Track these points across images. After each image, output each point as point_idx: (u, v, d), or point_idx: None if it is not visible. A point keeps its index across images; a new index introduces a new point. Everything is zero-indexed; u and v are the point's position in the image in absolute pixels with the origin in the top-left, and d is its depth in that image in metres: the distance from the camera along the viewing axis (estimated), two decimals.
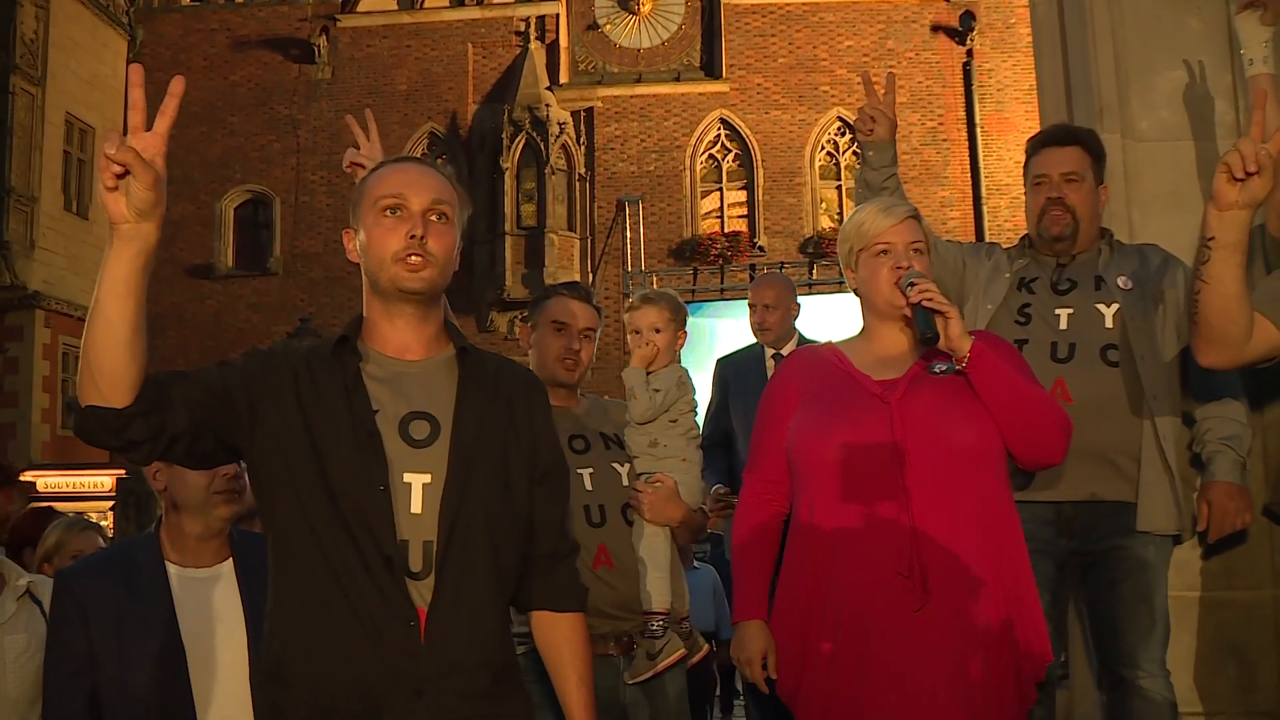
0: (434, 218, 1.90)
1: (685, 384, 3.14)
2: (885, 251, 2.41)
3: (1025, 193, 3.23)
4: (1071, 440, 2.81)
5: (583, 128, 20.77)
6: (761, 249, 19.56)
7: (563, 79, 21.07)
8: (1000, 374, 2.32)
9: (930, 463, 2.26)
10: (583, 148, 20.62)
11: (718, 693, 9.30)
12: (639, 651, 2.88)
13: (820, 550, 2.32)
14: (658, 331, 3.13)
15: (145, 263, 1.62)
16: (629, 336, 3.20)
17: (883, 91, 3.15)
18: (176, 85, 1.63)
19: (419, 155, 20.59)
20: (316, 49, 20.76)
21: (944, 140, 20.04)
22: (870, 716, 2.22)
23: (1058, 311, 3.02)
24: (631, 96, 20.97)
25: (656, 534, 2.91)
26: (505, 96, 20.44)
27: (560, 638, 2.01)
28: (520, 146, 20.08)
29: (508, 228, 19.79)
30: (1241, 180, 2.09)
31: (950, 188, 19.92)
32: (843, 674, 2.26)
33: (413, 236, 1.87)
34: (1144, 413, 2.94)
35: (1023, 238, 3.28)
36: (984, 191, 19.45)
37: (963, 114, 19.93)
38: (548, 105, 20.27)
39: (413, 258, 1.87)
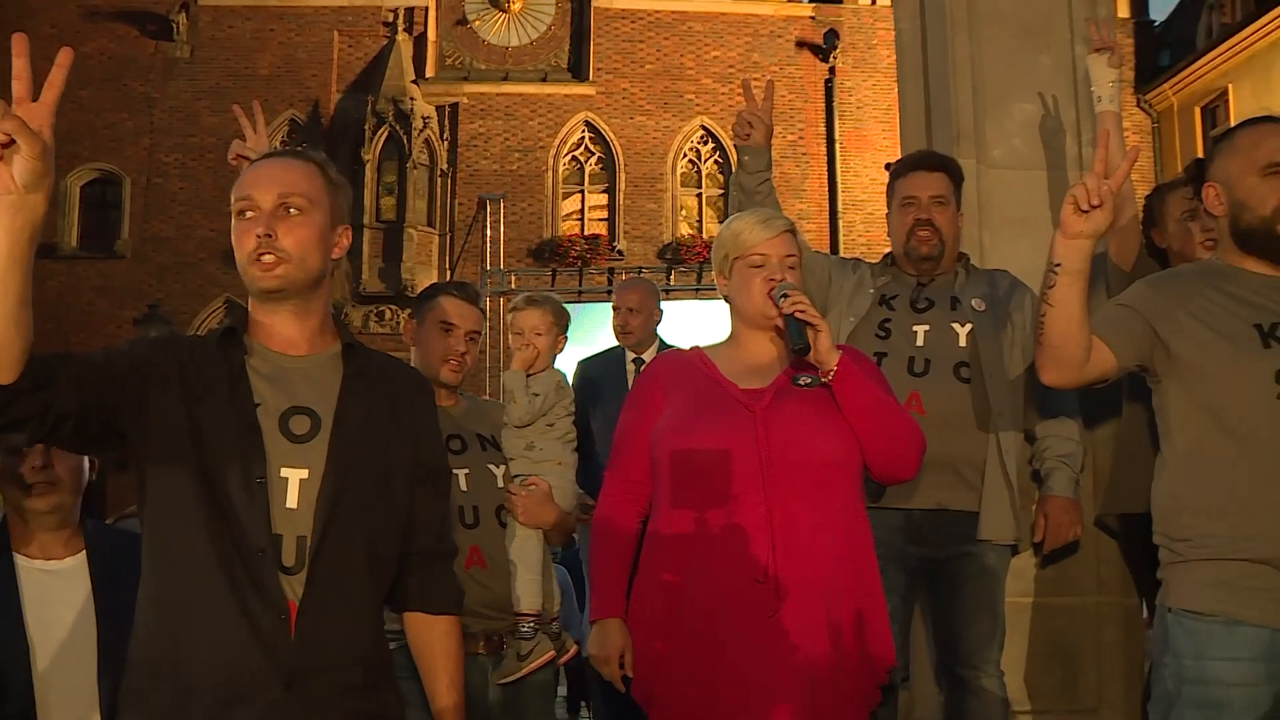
0: (287, 211, 1.87)
1: (564, 388, 3.16)
2: (761, 263, 2.46)
3: (889, 213, 3.36)
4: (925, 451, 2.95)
5: (447, 123, 20.55)
6: (620, 253, 19.67)
7: (429, 73, 20.83)
8: (864, 389, 2.41)
9: (792, 472, 2.32)
10: (446, 143, 20.40)
11: (564, 693, 9.33)
12: (509, 652, 2.90)
13: (679, 553, 2.36)
14: (539, 335, 3.15)
15: (32, 235, 1.58)
16: (511, 338, 3.21)
17: (761, 98, 3.25)
18: (64, 56, 1.60)
19: (278, 143, 20.11)
20: (175, 26, 19.97)
21: (804, 154, 20.49)
22: (722, 717, 2.27)
23: (915, 328, 3.16)
24: (497, 94, 20.85)
25: (529, 536, 2.93)
26: (370, 87, 20.09)
27: (434, 639, 2.02)
28: (383, 139, 19.75)
29: (366, 220, 19.42)
30: (1086, 212, 2.22)
31: (807, 201, 20.36)
32: (697, 676, 2.30)
33: (260, 235, 1.85)
34: (990, 428, 3.09)
35: (885, 256, 3.41)
36: (840, 206, 19.92)
37: (823, 129, 20.41)
38: (412, 98, 19.99)
39: (264, 257, 1.85)
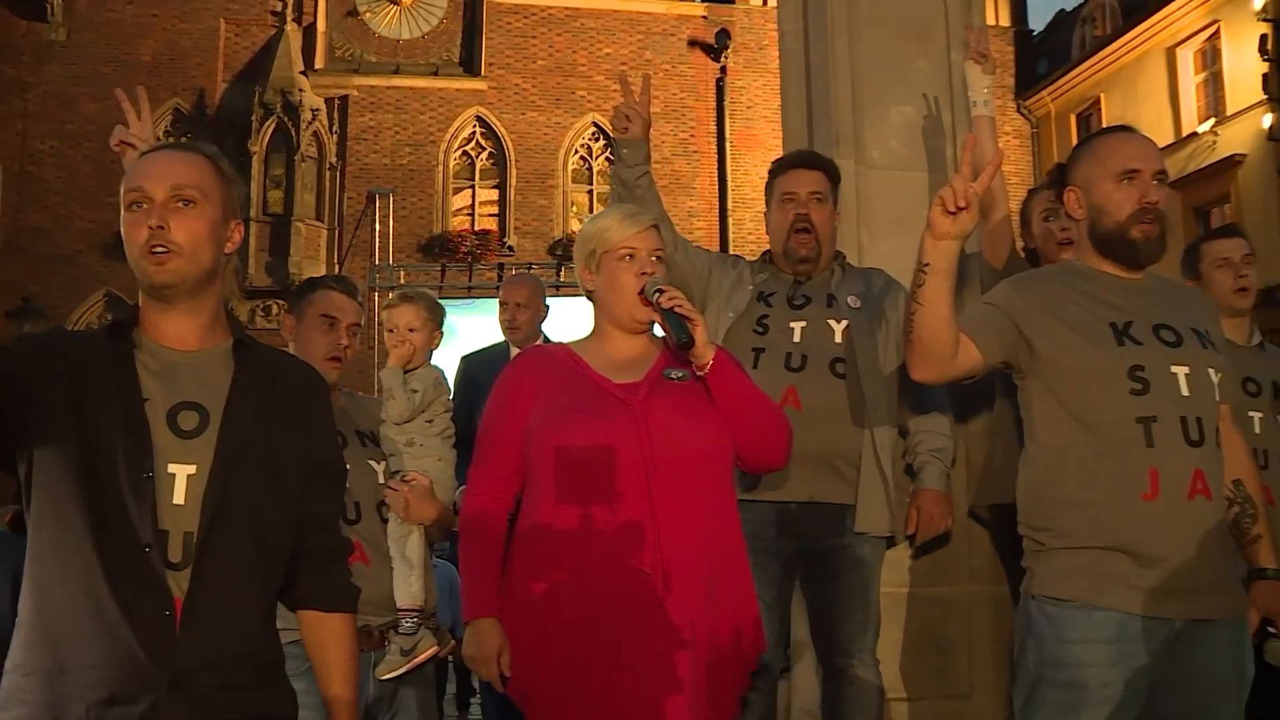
0: (178, 204, 1.85)
1: (441, 384, 3.16)
2: (629, 256, 2.48)
3: (768, 211, 3.43)
4: (798, 445, 3.01)
5: (336, 116, 20.22)
6: (511, 249, 19.59)
7: (318, 64, 20.47)
8: (739, 381, 2.46)
9: (671, 464, 2.35)
10: (335, 136, 20.07)
11: (454, 690, 9.27)
12: (392, 648, 2.88)
13: (561, 549, 2.36)
14: (414, 331, 3.14)
15: None
16: (385, 335, 3.18)
17: (638, 92, 3.28)
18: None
19: (161, 132, 19.55)
20: (49, 7, 19.23)
21: (694, 152, 20.64)
22: (602, 710, 2.29)
23: (792, 325, 3.22)
24: (388, 87, 20.60)
25: (410, 532, 2.92)
26: (257, 78, 19.67)
27: (328, 637, 2.01)
28: (270, 131, 19.36)
29: (253, 214, 19.00)
30: (954, 214, 2.29)
31: (698, 198, 20.52)
32: (579, 671, 2.31)
33: (153, 227, 1.83)
34: (864, 422, 3.17)
35: (764, 253, 3.47)
36: (730, 204, 20.13)
37: (713, 128, 20.59)
38: (301, 90, 19.62)
39: (156, 250, 1.83)
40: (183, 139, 18.98)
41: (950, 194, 2.26)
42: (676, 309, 2.37)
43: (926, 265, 2.32)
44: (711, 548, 2.38)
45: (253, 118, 19.22)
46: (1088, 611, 2.34)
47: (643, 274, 2.46)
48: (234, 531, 1.82)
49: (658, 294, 2.39)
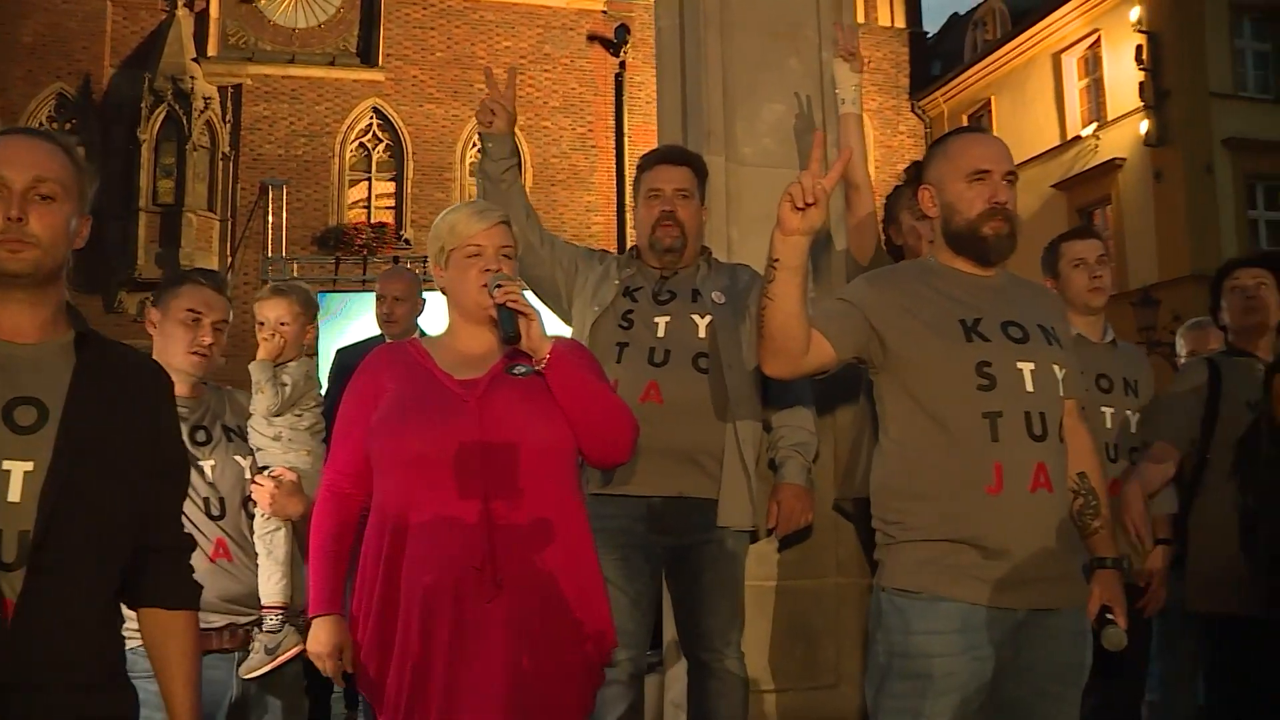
0: (38, 197, 1.80)
1: (312, 378, 3.13)
2: (476, 253, 2.48)
3: (635, 206, 3.44)
4: (662, 440, 3.02)
5: (229, 104, 19.84)
6: (408, 242, 19.41)
7: (211, 51, 20.05)
8: (576, 375, 2.45)
9: (509, 460, 2.34)
10: (228, 125, 19.70)
11: (343, 687, 9.12)
12: (256, 646, 2.84)
13: (398, 545, 2.34)
14: (285, 324, 3.11)
15: None
16: (256, 328, 3.14)
17: (503, 85, 3.26)
18: None
19: (44, 118, 18.95)
20: None
21: (593, 147, 20.65)
22: (446, 705, 2.27)
23: (656, 320, 3.22)
24: (283, 77, 20.26)
25: (277, 528, 2.88)
26: (147, 64, 19.18)
27: (169, 636, 1.95)
28: (161, 118, 18.91)
29: (143, 203, 18.59)
30: (802, 210, 2.31)
31: (596, 193, 20.54)
32: (418, 667, 2.29)
33: (10, 219, 1.77)
34: (727, 417, 3.18)
35: (630, 249, 3.48)
36: (628, 199, 20.18)
37: (612, 122, 20.61)
38: (193, 77, 19.19)
39: (12, 240, 1.77)
40: (67, 126, 18.42)
41: (799, 190, 2.28)
42: (510, 304, 2.36)
43: (776, 261, 2.34)
44: (553, 542, 2.38)
45: (142, 105, 18.76)
46: (934, 603, 2.38)
47: (487, 270, 2.46)
48: (72, 530, 1.76)
49: (497, 288, 2.38)
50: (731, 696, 3.18)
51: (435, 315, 5.09)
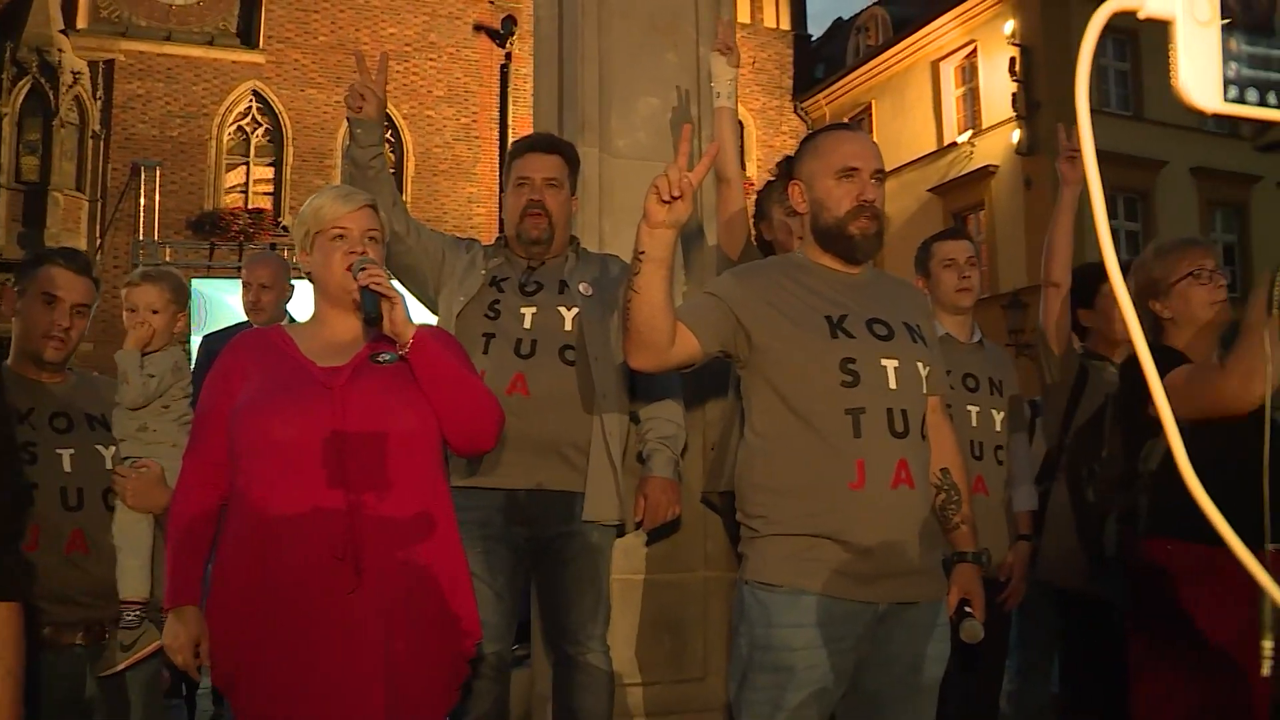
0: None
1: (181, 369, 3.06)
2: (341, 236, 2.44)
3: (505, 194, 3.40)
4: (527, 432, 3.00)
5: (100, 81, 19.16)
6: (285, 229, 18.95)
7: (80, 24, 19.33)
8: (440, 361, 2.41)
9: (371, 449, 2.30)
10: (99, 102, 19.03)
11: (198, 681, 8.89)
12: (111, 642, 2.77)
13: (257, 535, 2.29)
14: (155, 312, 3.02)
15: None
16: (125, 315, 3.05)
17: (375, 71, 3.20)
18: None
19: None
20: None
21: (476, 137, 20.47)
22: (304, 699, 2.23)
23: (523, 311, 3.19)
24: (159, 54, 19.64)
25: (138, 520, 2.81)
26: (9, 33, 18.39)
27: None
28: (24, 92, 18.17)
29: (4, 180, 17.85)
30: (668, 203, 2.30)
31: (478, 184, 20.37)
32: (277, 659, 2.25)
33: None
34: (594, 410, 3.16)
35: (499, 238, 3.44)
36: (505, 190, 20.04)
37: (496, 114, 20.44)
38: (60, 50, 18.46)
39: None
40: None
41: (665, 183, 2.27)
42: (373, 286, 2.32)
43: (643, 253, 2.33)
44: (416, 533, 2.34)
45: (4, 76, 17.96)
46: (796, 596, 2.40)
47: (352, 253, 2.41)
48: None
49: (360, 271, 2.33)
50: (597, 690, 3.17)
51: (305, 302, 5.02)
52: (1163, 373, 2.87)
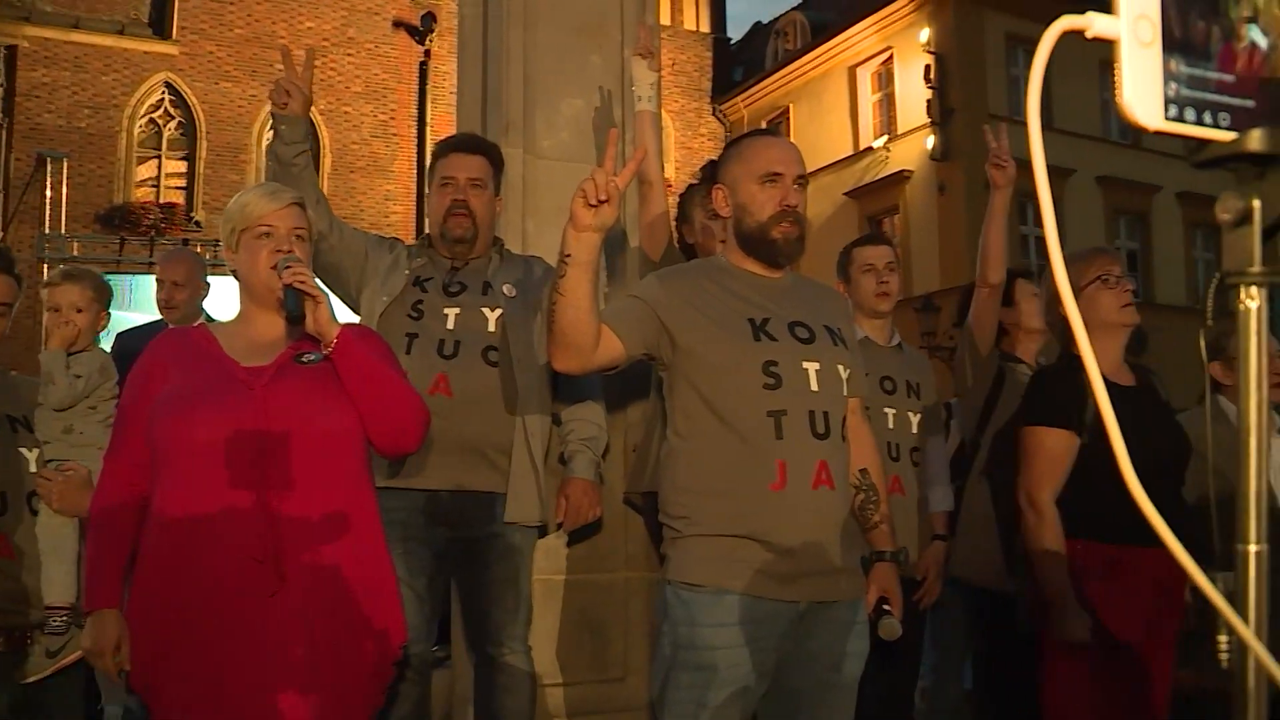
0: None
1: (108, 370, 3.02)
2: (267, 234, 2.42)
3: (429, 194, 3.39)
4: (449, 433, 2.99)
5: (2, 67, 18.58)
6: (199, 224, 18.62)
7: None
8: (364, 362, 2.40)
9: (294, 450, 2.29)
10: (1, 90, 18.43)
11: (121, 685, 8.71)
12: (35, 649, 2.72)
13: (177, 537, 2.26)
14: (79, 311, 2.97)
15: None
16: (46, 315, 3.00)
17: (301, 66, 3.17)
18: None
19: None
20: None
21: (394, 135, 20.26)
22: (224, 703, 2.20)
23: (446, 311, 3.18)
24: (65, 42, 19.08)
25: (64, 524, 2.77)
26: None
27: None
28: None
29: None
30: (595, 206, 2.31)
31: (395, 182, 20.16)
32: (196, 663, 2.22)
33: None
34: (517, 411, 3.16)
35: (423, 238, 3.43)
36: (428, 190, 19.89)
37: (414, 111, 20.29)
38: None
39: None
40: None
41: (592, 187, 2.28)
42: (297, 284, 2.31)
43: (568, 256, 2.33)
44: (340, 535, 2.33)
45: None
46: (718, 596, 2.42)
47: (278, 251, 2.40)
48: None
49: (285, 269, 2.32)
50: (518, 690, 3.18)
51: (222, 301, 4.93)
52: (1081, 377, 2.98)
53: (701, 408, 2.52)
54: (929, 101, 20.39)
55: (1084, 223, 20.48)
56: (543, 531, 3.30)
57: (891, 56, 21.81)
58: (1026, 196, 20.19)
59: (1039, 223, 20.29)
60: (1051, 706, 2.99)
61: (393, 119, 20.28)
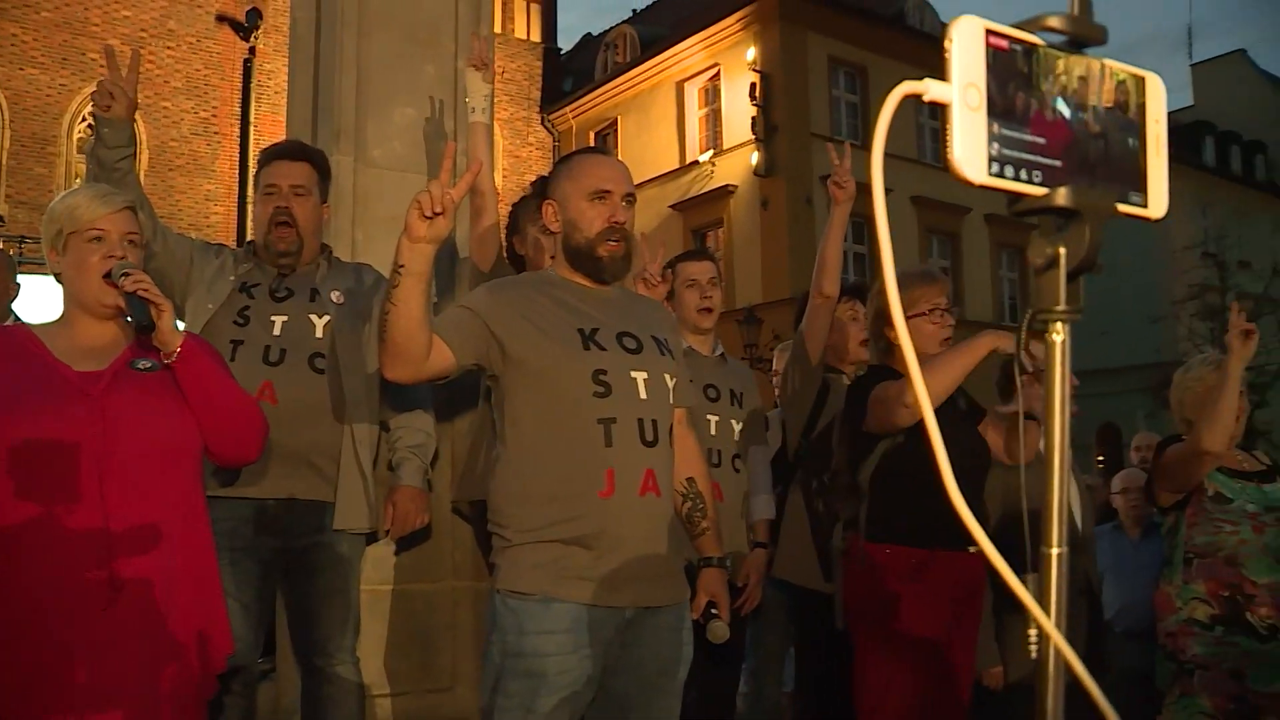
0: None
1: None
2: (98, 239, 2.37)
3: (255, 200, 3.34)
4: (276, 441, 2.95)
5: None
6: (1, 219, 17.67)
7: None
8: (207, 371, 2.38)
9: (131, 458, 2.24)
10: None
11: None
12: None
13: (8, 547, 2.18)
14: None
15: None
16: None
17: (125, 68, 3.09)
18: None
19: None
20: None
21: (216, 133, 19.65)
22: (55, 716, 2.14)
23: (273, 318, 3.15)
24: None
25: None
26: None
27: None
28: None
29: None
30: (430, 218, 2.33)
31: (217, 181, 19.55)
32: (30, 673, 2.15)
33: None
34: (345, 419, 3.15)
35: (248, 243, 3.38)
36: (251, 191, 19.33)
37: (238, 109, 19.63)
38: None
39: None
40: None
41: (428, 199, 2.30)
42: (141, 293, 2.27)
43: (402, 267, 2.34)
44: (173, 547, 2.29)
45: None
46: (546, 604, 2.45)
47: (110, 257, 2.34)
48: None
49: (124, 277, 2.27)
50: (346, 702, 3.15)
51: (32, 301, 4.72)
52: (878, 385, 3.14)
53: (531, 416, 2.55)
54: (754, 118, 20.91)
55: (900, 240, 21.29)
56: (371, 539, 3.28)
57: (719, 73, 22.29)
58: (853, 216, 21.06)
59: (859, 240, 21.02)
60: (865, 702, 3.13)
61: (215, 116, 19.66)
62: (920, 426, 2.70)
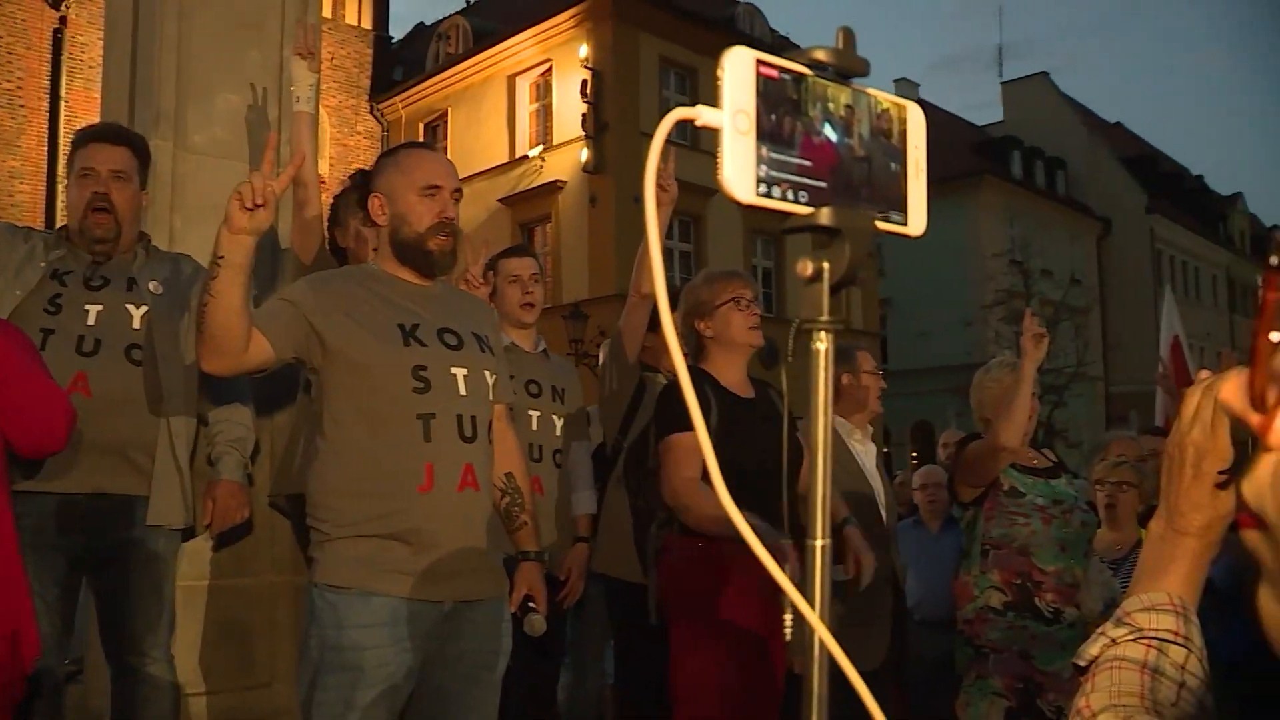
0: None
1: None
2: None
3: (68, 184, 3.23)
4: (88, 434, 2.86)
5: None
6: None
7: None
8: (8, 360, 2.31)
9: None
10: None
11: None
12: None
13: None
14: None
15: None
16: None
17: None
18: None
19: None
20: None
21: (21, 106, 18.63)
22: None
23: (87, 307, 3.05)
24: None
25: None
26: None
27: None
28: None
29: None
30: (251, 210, 2.30)
31: (23, 158, 18.54)
32: None
33: None
34: (161, 411, 3.08)
35: (60, 228, 3.26)
36: (62, 168, 18.46)
37: (47, 83, 18.74)
38: None
39: None
40: None
41: (249, 190, 2.28)
42: None
43: (221, 258, 2.32)
44: None
45: None
46: (365, 598, 2.46)
47: None
48: None
49: None
50: (160, 701, 3.09)
51: None
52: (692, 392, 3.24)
53: (351, 411, 2.55)
54: (584, 115, 21.01)
55: (726, 240, 21.72)
56: (187, 535, 3.22)
57: (551, 68, 22.31)
58: (675, 213, 21.41)
59: (685, 239, 21.35)
60: (683, 693, 3.22)
61: (20, 88, 18.62)
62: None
